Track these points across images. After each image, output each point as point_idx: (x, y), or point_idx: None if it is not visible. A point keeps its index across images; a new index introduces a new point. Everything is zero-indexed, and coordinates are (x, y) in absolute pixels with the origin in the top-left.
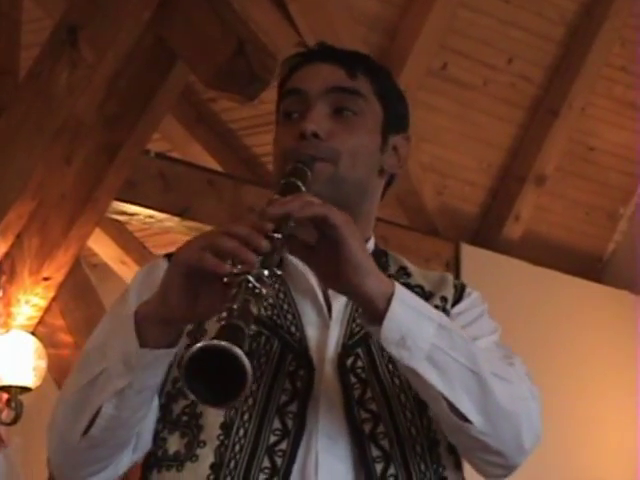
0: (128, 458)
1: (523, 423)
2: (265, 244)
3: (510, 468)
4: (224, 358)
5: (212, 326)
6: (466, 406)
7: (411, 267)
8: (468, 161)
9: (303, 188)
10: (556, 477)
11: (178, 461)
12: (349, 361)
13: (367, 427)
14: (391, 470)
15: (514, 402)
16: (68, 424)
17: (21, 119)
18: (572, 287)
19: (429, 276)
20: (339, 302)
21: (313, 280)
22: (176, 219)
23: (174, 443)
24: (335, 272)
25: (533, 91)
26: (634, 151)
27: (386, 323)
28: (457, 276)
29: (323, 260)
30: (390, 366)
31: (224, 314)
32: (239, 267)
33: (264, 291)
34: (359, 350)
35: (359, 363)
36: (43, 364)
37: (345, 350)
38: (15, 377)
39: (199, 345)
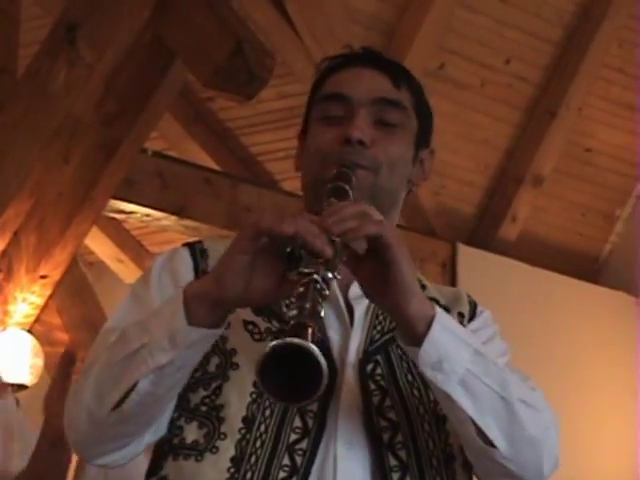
0: (149, 437)
1: (545, 450)
2: (330, 247)
3: None
4: (297, 357)
5: (239, 345)
6: (494, 432)
7: (425, 280)
8: (465, 161)
9: (351, 193)
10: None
11: (197, 451)
12: (369, 367)
13: (386, 436)
14: None
15: (539, 430)
16: (98, 397)
17: (19, 117)
18: (568, 288)
19: (443, 290)
20: (360, 307)
21: (335, 284)
22: (173, 217)
23: (192, 432)
24: (381, 289)
25: (530, 92)
26: (631, 152)
27: (425, 346)
28: (453, 276)
29: (370, 274)
30: (409, 376)
31: (294, 312)
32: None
33: (327, 293)
34: (379, 357)
35: (378, 370)
36: (40, 362)
37: (365, 356)
38: (12, 375)
39: (274, 343)
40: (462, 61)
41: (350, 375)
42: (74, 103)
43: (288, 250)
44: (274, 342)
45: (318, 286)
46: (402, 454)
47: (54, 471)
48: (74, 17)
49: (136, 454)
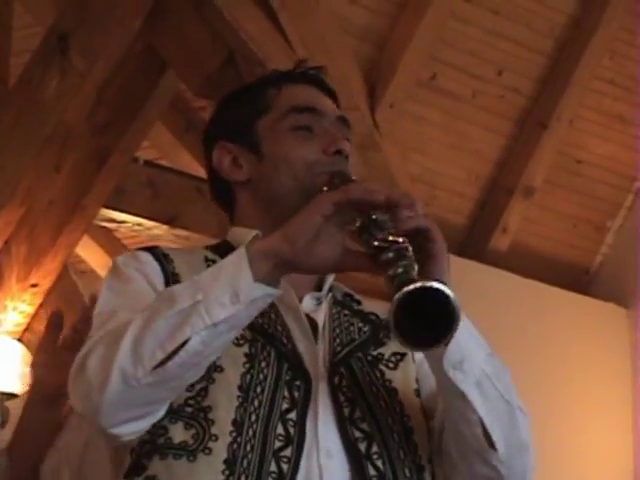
0: (163, 413)
1: (529, 457)
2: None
3: None
4: (426, 303)
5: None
6: (497, 434)
7: (357, 295)
8: (456, 172)
9: None
10: None
11: (187, 451)
12: (336, 379)
13: (362, 446)
14: None
15: (528, 436)
16: (136, 357)
17: (10, 126)
18: (559, 299)
19: (376, 306)
20: (320, 320)
21: (293, 296)
22: (164, 227)
23: (178, 433)
24: None
25: (522, 103)
26: (622, 164)
27: (452, 345)
28: None
29: None
30: (374, 388)
31: (400, 270)
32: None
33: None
34: (342, 370)
35: (345, 382)
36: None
37: (332, 368)
38: (2, 383)
39: (412, 286)
40: (454, 72)
41: (322, 386)
42: (66, 112)
43: (357, 224)
44: (407, 287)
45: (409, 253)
46: (379, 464)
47: (49, 431)
48: (66, 26)
49: (145, 428)
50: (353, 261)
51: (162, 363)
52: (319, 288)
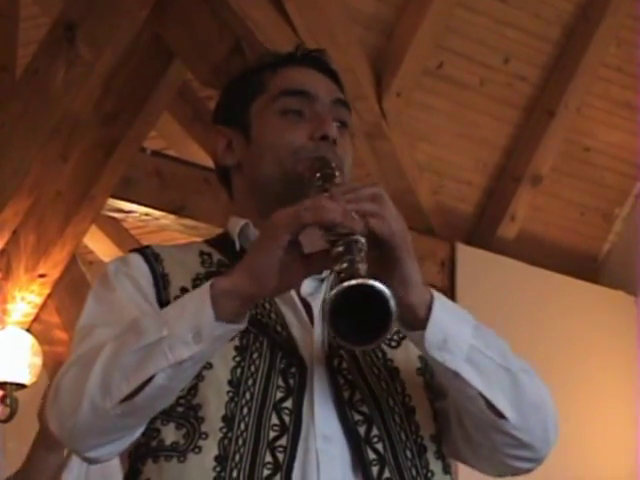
0: (139, 434)
1: (547, 414)
2: (358, 220)
3: (537, 461)
4: (360, 300)
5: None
6: (502, 403)
7: None
8: (464, 161)
9: (339, 177)
10: (555, 478)
11: (178, 452)
12: (335, 362)
13: (361, 429)
14: (386, 474)
15: (540, 395)
16: (104, 389)
17: (18, 116)
18: (567, 287)
19: None
20: (316, 303)
21: None
22: (172, 217)
23: (170, 434)
24: (381, 277)
25: (529, 91)
26: (630, 152)
27: (430, 327)
28: (452, 276)
29: (370, 260)
30: (375, 369)
31: (344, 265)
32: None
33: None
34: (342, 352)
35: (344, 365)
36: (38, 361)
37: (331, 351)
38: (10, 374)
39: (344, 285)
40: (461, 60)
41: (320, 370)
42: (73, 102)
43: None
44: (339, 287)
45: (359, 245)
46: (379, 447)
47: (47, 475)
48: (73, 16)
49: (126, 448)
50: (319, 264)
51: (130, 396)
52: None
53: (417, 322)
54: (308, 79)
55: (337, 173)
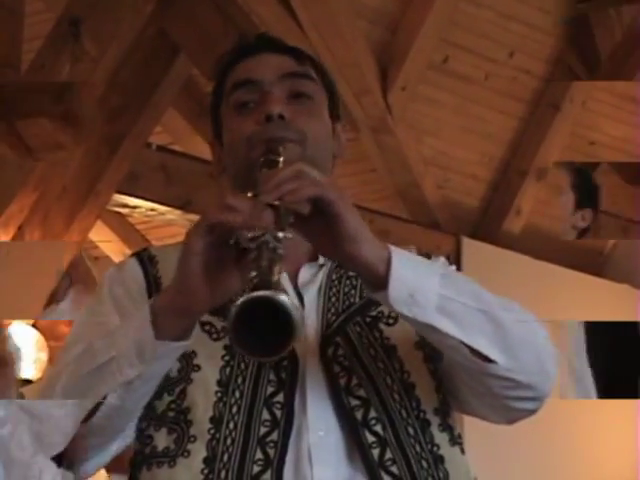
0: (116, 447)
1: (539, 347)
2: (269, 211)
3: (541, 399)
4: (265, 311)
5: (198, 347)
6: (486, 346)
7: None
8: (469, 155)
9: (282, 162)
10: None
11: (169, 457)
12: (330, 350)
13: (358, 414)
14: (388, 455)
15: (527, 330)
16: None
17: None
18: (572, 281)
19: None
20: (310, 293)
21: (284, 276)
22: (178, 212)
23: (162, 439)
24: (332, 243)
25: (534, 85)
26: (634, 145)
27: (392, 283)
28: (457, 269)
29: (320, 233)
30: (372, 351)
31: (253, 273)
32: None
33: (281, 252)
34: (338, 339)
35: (340, 352)
36: (44, 356)
37: (325, 340)
38: (16, 369)
39: (243, 298)
40: (466, 54)
41: (313, 362)
42: None
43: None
44: (239, 300)
45: (271, 245)
46: (378, 429)
47: None
48: (78, 11)
49: (103, 464)
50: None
51: (88, 417)
52: (317, 257)
53: (378, 280)
54: (254, 66)
55: (281, 159)
